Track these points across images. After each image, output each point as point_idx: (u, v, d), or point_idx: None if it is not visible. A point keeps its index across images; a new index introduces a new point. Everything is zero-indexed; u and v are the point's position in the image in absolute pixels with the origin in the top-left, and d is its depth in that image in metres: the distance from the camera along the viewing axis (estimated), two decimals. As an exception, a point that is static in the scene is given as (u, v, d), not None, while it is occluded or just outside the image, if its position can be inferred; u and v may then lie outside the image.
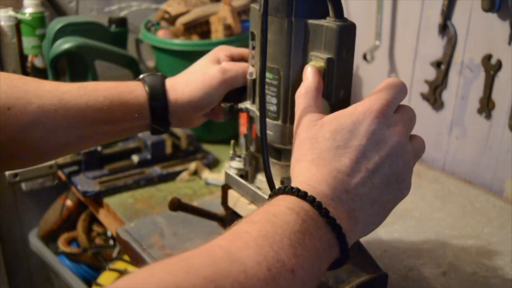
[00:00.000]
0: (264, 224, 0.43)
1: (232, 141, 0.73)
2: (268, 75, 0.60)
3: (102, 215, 1.03)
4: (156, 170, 1.09)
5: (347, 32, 0.55)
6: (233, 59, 0.73)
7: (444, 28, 1.05)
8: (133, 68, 1.16)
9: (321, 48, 0.56)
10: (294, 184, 0.48)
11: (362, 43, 1.20)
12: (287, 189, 0.47)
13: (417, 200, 0.97)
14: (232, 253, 0.40)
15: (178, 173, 1.09)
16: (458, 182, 1.06)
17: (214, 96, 0.70)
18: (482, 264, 0.79)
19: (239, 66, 0.70)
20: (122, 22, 1.23)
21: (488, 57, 0.99)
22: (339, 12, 0.55)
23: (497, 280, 0.76)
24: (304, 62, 0.58)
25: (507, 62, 0.96)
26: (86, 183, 1.04)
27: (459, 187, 1.03)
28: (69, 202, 1.44)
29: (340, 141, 0.49)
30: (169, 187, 1.06)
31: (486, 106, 1.01)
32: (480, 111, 1.03)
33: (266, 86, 0.61)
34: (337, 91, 0.56)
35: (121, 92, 0.66)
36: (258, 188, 0.68)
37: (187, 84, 0.70)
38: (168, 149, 1.12)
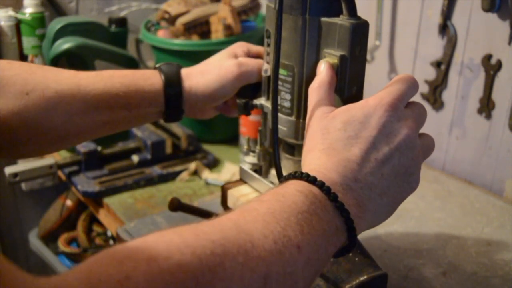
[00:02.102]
0: (272, 203, 0.45)
1: (247, 137, 0.75)
2: (282, 71, 0.61)
3: (102, 215, 1.03)
4: (156, 170, 1.09)
5: (360, 30, 0.56)
6: (250, 55, 0.75)
7: (444, 28, 1.05)
8: (133, 68, 1.16)
9: (334, 45, 0.57)
10: (304, 171, 0.49)
11: (362, 43, 1.20)
12: (297, 174, 0.48)
13: (417, 200, 0.97)
14: (240, 225, 0.41)
15: (178, 173, 1.09)
16: (458, 182, 1.06)
17: (228, 89, 0.71)
18: (482, 264, 0.79)
19: (255, 62, 0.72)
20: (122, 22, 1.23)
21: (488, 57, 0.99)
22: (352, 10, 0.56)
23: (497, 280, 0.76)
24: (318, 59, 0.59)
25: (507, 62, 0.96)
26: (86, 183, 1.04)
27: (459, 187, 1.03)
28: (69, 202, 1.44)
29: (351, 131, 0.50)
30: (169, 187, 1.06)
31: (486, 106, 1.01)
32: (480, 111, 1.03)
33: (281, 83, 0.62)
34: (350, 88, 0.58)
35: (137, 79, 0.68)
36: (272, 183, 0.69)
37: (203, 74, 0.71)
38: (168, 149, 1.12)
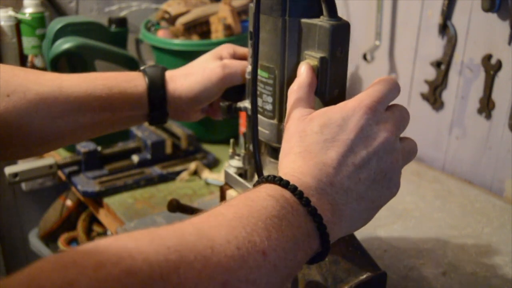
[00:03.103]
0: (240, 207, 0.43)
1: (232, 140, 0.73)
2: (264, 74, 0.61)
3: (102, 215, 1.03)
4: (156, 170, 1.09)
5: (340, 31, 0.54)
6: (235, 57, 0.74)
7: (444, 28, 1.05)
8: (133, 68, 1.15)
9: (314, 47, 0.56)
10: (279, 175, 0.48)
11: (362, 43, 1.20)
12: (270, 178, 0.47)
13: (417, 200, 0.97)
14: (202, 229, 0.40)
15: (178, 173, 1.09)
16: (458, 182, 1.06)
17: (212, 91, 0.70)
18: (482, 264, 0.79)
19: (239, 63, 0.71)
20: (122, 22, 1.23)
21: (488, 57, 0.99)
22: (332, 11, 0.55)
23: (497, 280, 0.76)
24: (299, 61, 0.58)
25: (507, 62, 0.96)
26: (86, 183, 1.04)
27: (459, 187, 1.03)
28: (69, 202, 1.44)
29: (328, 134, 0.49)
30: (169, 187, 1.06)
31: (486, 106, 1.01)
32: (480, 111, 1.03)
33: (262, 85, 0.61)
34: (331, 90, 0.57)
35: (120, 81, 0.67)
36: None
37: (186, 76, 0.71)
38: (168, 149, 1.12)
